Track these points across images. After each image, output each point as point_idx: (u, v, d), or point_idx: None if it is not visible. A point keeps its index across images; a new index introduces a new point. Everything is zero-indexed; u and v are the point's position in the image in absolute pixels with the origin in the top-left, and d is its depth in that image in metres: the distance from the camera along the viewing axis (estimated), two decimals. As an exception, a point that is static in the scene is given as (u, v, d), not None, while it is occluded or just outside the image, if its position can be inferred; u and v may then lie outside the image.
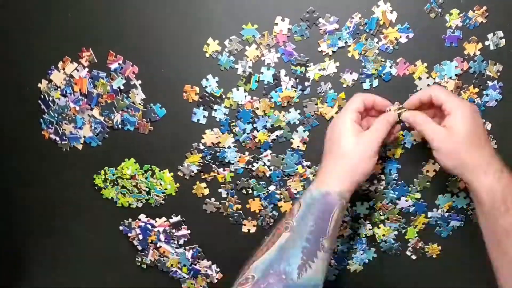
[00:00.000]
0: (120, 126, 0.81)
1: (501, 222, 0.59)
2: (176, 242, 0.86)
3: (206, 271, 0.88)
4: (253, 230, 0.84)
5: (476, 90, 0.75)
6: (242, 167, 0.81)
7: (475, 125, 0.60)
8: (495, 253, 0.62)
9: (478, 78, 0.74)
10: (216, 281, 0.88)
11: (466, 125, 0.60)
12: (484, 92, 0.75)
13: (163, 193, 0.84)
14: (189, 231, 0.86)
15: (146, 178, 0.83)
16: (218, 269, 0.88)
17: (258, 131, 0.79)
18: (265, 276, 0.58)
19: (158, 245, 0.87)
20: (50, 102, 0.81)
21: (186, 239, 0.87)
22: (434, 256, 0.84)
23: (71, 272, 0.92)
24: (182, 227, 0.86)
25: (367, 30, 0.73)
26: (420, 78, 0.74)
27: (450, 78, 0.74)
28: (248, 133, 0.79)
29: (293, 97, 0.76)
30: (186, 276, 0.88)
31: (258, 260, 0.60)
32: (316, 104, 0.76)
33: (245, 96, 0.77)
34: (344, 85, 0.76)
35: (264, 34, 0.74)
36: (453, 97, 0.63)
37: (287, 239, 0.61)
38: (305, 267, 0.59)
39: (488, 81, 0.74)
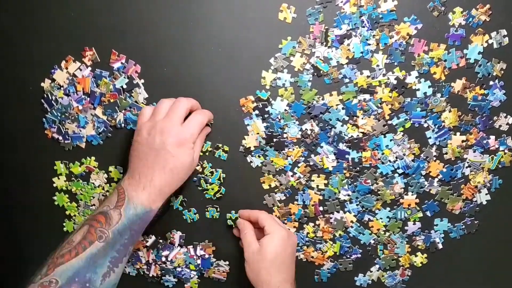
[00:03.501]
0: (123, 125, 0.81)
1: None
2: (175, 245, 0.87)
3: (217, 267, 0.87)
4: (292, 230, 0.84)
5: (482, 91, 0.75)
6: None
7: (283, 250, 0.70)
8: None
9: (483, 77, 0.74)
10: (224, 280, 0.88)
11: (275, 248, 0.70)
12: (486, 91, 0.75)
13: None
14: (183, 235, 0.86)
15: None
16: (226, 265, 0.88)
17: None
18: (69, 283, 0.59)
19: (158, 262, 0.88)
20: (53, 102, 0.82)
21: (183, 240, 0.87)
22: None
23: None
24: (172, 232, 0.86)
25: (381, 18, 0.73)
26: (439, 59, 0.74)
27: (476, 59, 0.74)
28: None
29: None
30: (194, 273, 0.88)
31: (64, 265, 0.60)
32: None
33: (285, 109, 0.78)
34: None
35: (300, 41, 0.75)
36: (274, 223, 0.74)
37: (98, 249, 0.62)
38: (109, 273, 0.62)
39: (491, 81, 0.74)
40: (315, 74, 0.76)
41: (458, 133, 0.77)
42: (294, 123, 0.78)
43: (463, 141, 0.77)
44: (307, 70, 0.76)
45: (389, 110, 0.76)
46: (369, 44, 0.74)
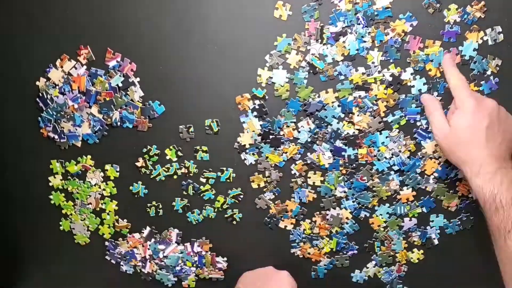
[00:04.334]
0: (119, 123, 0.81)
1: (493, 220, 0.60)
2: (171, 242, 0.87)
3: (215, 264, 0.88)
4: (290, 227, 0.84)
5: (477, 89, 0.75)
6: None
7: (475, 125, 0.61)
8: (496, 251, 0.62)
9: (478, 74, 0.75)
10: (222, 277, 0.88)
11: (464, 124, 0.62)
12: (481, 88, 0.75)
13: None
14: (180, 232, 0.87)
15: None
16: (224, 260, 0.88)
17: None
18: None
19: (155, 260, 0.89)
20: (48, 100, 0.81)
21: (180, 237, 0.87)
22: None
23: (71, 272, 0.92)
24: (169, 230, 0.86)
25: (376, 15, 0.73)
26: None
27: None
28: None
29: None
30: (193, 270, 0.88)
31: None
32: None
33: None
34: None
35: (295, 38, 0.75)
36: (463, 90, 0.63)
37: None
38: None
39: (486, 78, 0.75)
40: (311, 71, 0.76)
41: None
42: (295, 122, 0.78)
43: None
44: (302, 68, 0.76)
45: (385, 107, 0.76)
46: (365, 41, 0.74)
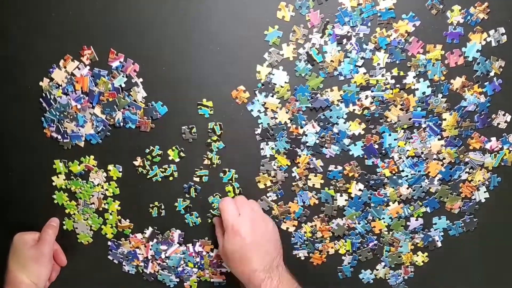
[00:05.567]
0: (121, 124, 0.81)
1: None
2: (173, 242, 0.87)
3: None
4: (291, 229, 0.84)
5: (480, 90, 0.75)
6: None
7: (235, 246, 0.70)
8: None
9: (481, 75, 0.74)
10: (224, 282, 0.89)
11: (227, 246, 0.71)
12: (485, 89, 0.75)
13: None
14: (183, 233, 0.87)
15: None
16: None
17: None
18: None
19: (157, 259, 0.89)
20: (51, 101, 0.82)
21: (182, 238, 0.87)
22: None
23: (73, 271, 0.92)
24: (171, 231, 0.86)
25: (380, 16, 0.73)
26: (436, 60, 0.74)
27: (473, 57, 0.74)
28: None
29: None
30: (195, 271, 0.88)
31: None
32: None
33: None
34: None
35: (294, 30, 0.74)
36: (225, 218, 0.72)
37: None
38: None
39: (489, 79, 0.74)
40: (308, 63, 0.75)
41: (457, 139, 0.77)
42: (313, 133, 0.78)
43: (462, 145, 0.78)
44: (299, 61, 0.75)
45: (399, 109, 0.76)
46: (358, 66, 0.75)
